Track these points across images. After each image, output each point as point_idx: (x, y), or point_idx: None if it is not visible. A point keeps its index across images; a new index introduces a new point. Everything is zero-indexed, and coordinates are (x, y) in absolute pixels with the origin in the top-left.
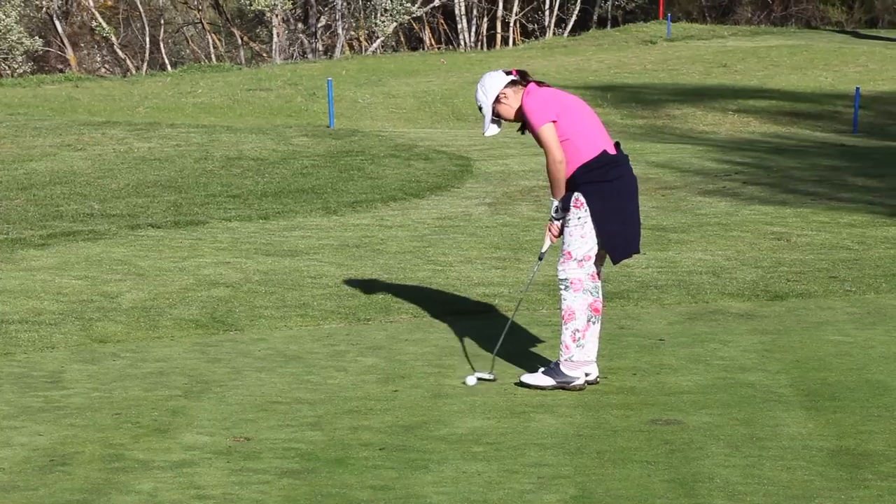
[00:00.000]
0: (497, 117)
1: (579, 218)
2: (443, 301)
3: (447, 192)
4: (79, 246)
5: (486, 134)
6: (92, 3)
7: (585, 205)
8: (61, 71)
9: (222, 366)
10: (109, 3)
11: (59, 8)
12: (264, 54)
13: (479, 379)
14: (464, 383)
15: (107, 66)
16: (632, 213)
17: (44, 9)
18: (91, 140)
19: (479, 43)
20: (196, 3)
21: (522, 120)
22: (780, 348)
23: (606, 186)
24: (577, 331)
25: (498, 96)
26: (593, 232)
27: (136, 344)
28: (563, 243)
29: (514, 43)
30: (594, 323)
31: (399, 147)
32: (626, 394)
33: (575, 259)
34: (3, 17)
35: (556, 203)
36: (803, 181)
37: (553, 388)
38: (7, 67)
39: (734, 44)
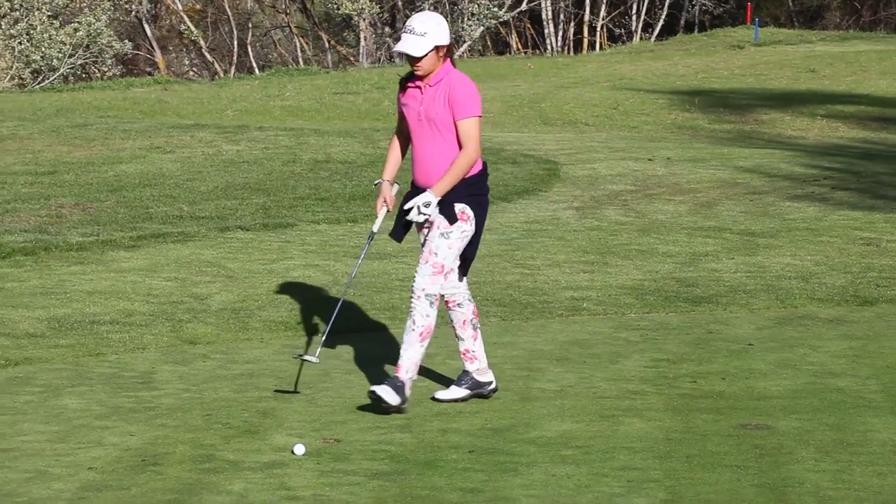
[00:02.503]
0: (417, 57)
1: (463, 231)
2: (531, 304)
3: (535, 196)
4: (168, 248)
5: (410, 50)
6: (180, 7)
7: (473, 219)
8: (150, 74)
9: (312, 368)
10: (198, 6)
11: (148, 12)
12: (351, 58)
13: (303, 359)
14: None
15: (195, 69)
16: None
17: (133, 12)
18: (180, 142)
19: (566, 47)
20: (284, 6)
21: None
22: (870, 353)
23: (484, 199)
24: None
25: (438, 47)
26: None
27: (225, 345)
28: (433, 254)
29: (600, 48)
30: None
31: (486, 151)
32: (715, 398)
33: (444, 273)
34: (94, 20)
35: (436, 199)
36: (893, 186)
37: (469, 397)
38: (97, 70)
39: (822, 49)
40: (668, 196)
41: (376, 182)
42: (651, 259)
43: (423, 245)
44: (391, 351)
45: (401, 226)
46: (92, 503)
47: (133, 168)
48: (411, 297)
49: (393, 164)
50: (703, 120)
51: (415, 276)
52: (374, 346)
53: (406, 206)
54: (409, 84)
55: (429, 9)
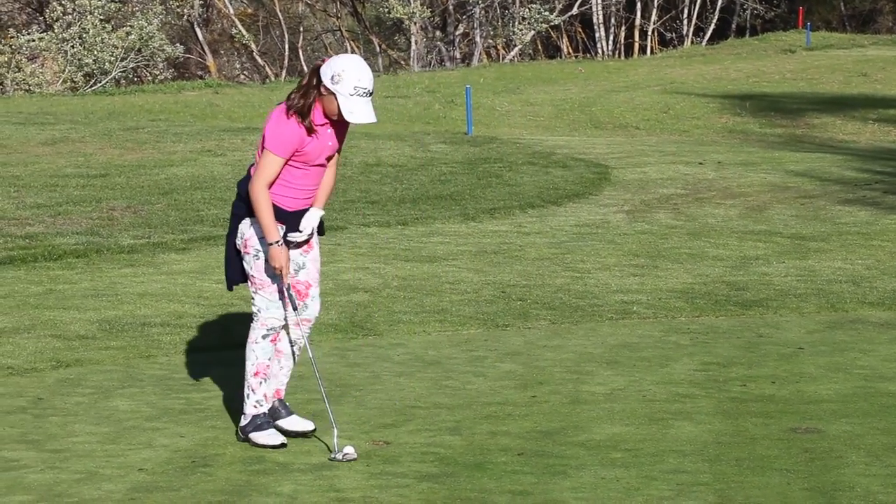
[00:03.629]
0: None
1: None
2: (581, 308)
3: (585, 200)
4: (219, 250)
5: (373, 118)
6: (232, 11)
7: None
8: (201, 77)
9: (361, 370)
10: (249, 10)
11: (199, 16)
12: (402, 62)
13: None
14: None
15: (246, 72)
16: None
17: (185, 17)
18: (231, 145)
19: (617, 51)
20: (335, 10)
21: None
22: None
23: None
24: None
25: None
26: None
27: None
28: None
29: (651, 52)
30: None
31: (537, 154)
32: (765, 402)
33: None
34: (146, 24)
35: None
36: None
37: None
38: (149, 74)
39: (874, 53)
40: (718, 200)
41: (277, 243)
42: (701, 263)
43: (298, 270)
44: (441, 353)
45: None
46: None
47: (184, 171)
48: (308, 328)
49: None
50: (753, 124)
51: (309, 305)
52: (424, 348)
53: (304, 227)
54: (319, 124)
55: (479, 14)
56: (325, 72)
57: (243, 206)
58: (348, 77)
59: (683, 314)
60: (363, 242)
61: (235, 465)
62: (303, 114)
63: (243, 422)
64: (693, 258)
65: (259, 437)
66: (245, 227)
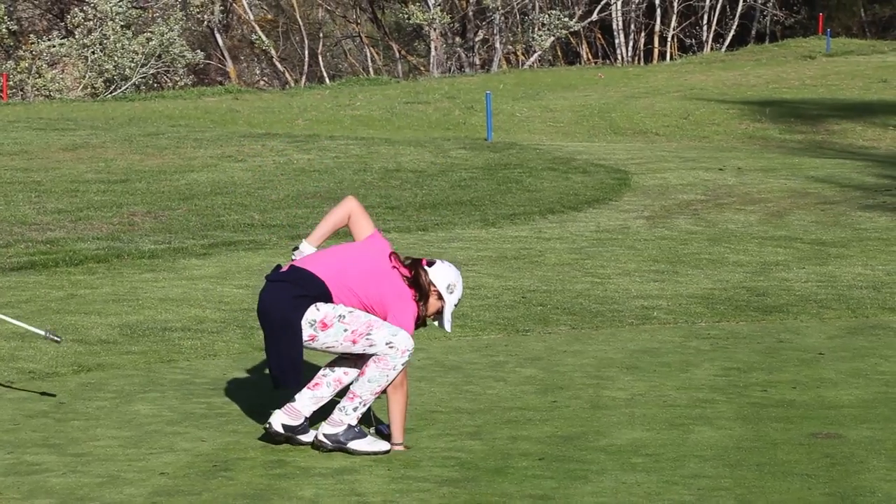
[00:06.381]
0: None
1: None
2: (601, 313)
3: (605, 205)
4: (239, 255)
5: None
6: (252, 17)
7: None
8: (221, 83)
9: None
10: (269, 16)
11: (219, 22)
12: (422, 68)
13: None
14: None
15: (266, 78)
16: (272, 343)
17: (205, 22)
18: (251, 151)
19: (637, 57)
20: (354, 17)
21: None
22: None
23: None
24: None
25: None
26: None
27: None
28: None
29: (671, 58)
30: None
31: (557, 160)
32: (785, 407)
33: None
34: (166, 30)
35: None
36: None
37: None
38: (169, 80)
39: (894, 59)
40: (738, 206)
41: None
42: (721, 268)
43: None
44: (462, 358)
45: None
46: None
47: (204, 176)
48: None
49: None
50: (773, 130)
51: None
52: (442, 353)
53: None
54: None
55: (499, 20)
56: (439, 280)
57: (306, 300)
58: (458, 291)
59: (704, 319)
60: None
61: (257, 469)
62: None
63: (334, 430)
64: (713, 264)
65: (361, 444)
66: (313, 312)
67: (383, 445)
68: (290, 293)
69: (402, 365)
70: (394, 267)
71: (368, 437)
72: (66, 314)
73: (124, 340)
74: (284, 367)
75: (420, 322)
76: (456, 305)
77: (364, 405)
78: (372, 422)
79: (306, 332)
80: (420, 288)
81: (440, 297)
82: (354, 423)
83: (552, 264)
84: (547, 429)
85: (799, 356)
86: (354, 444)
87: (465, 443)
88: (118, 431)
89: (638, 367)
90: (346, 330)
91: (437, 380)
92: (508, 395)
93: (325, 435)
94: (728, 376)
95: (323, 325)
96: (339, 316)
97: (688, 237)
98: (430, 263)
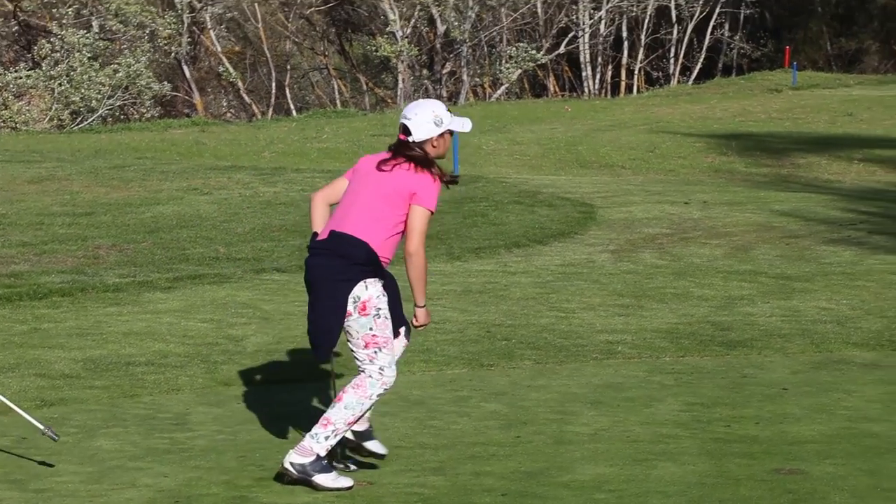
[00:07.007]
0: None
1: None
2: (565, 347)
3: (571, 239)
4: (204, 289)
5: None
6: (219, 49)
7: None
8: (188, 115)
9: None
10: (237, 48)
11: (187, 53)
12: (389, 100)
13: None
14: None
15: (233, 110)
16: (312, 309)
17: (172, 54)
18: (217, 184)
19: (604, 90)
20: (322, 48)
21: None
22: None
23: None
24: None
25: (432, 139)
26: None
27: (260, 387)
28: None
29: (638, 90)
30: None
31: (523, 193)
32: (749, 442)
33: None
34: (134, 62)
35: None
36: None
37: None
38: (135, 112)
39: (860, 92)
40: (703, 239)
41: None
42: (686, 302)
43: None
44: (426, 393)
45: None
46: None
47: (170, 209)
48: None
49: None
50: (739, 163)
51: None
52: (408, 388)
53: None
54: None
55: (466, 53)
56: (422, 133)
57: (356, 269)
58: (444, 112)
59: (668, 354)
60: None
61: None
62: (441, 174)
63: (302, 459)
64: (678, 298)
65: (325, 479)
66: (361, 290)
67: (347, 482)
68: (339, 265)
69: (378, 396)
70: (393, 168)
71: (334, 472)
72: (30, 348)
73: (87, 375)
74: (321, 341)
75: (445, 179)
76: (454, 114)
77: (336, 435)
78: (338, 457)
79: (348, 307)
80: (424, 161)
81: (441, 136)
82: (323, 453)
83: (517, 298)
84: (510, 464)
85: (763, 391)
86: (319, 479)
87: (428, 478)
88: (80, 467)
89: (602, 402)
90: (371, 329)
91: (401, 415)
92: (472, 431)
93: (291, 463)
94: (692, 411)
95: (363, 308)
96: (377, 312)
97: (653, 271)
98: (407, 131)
